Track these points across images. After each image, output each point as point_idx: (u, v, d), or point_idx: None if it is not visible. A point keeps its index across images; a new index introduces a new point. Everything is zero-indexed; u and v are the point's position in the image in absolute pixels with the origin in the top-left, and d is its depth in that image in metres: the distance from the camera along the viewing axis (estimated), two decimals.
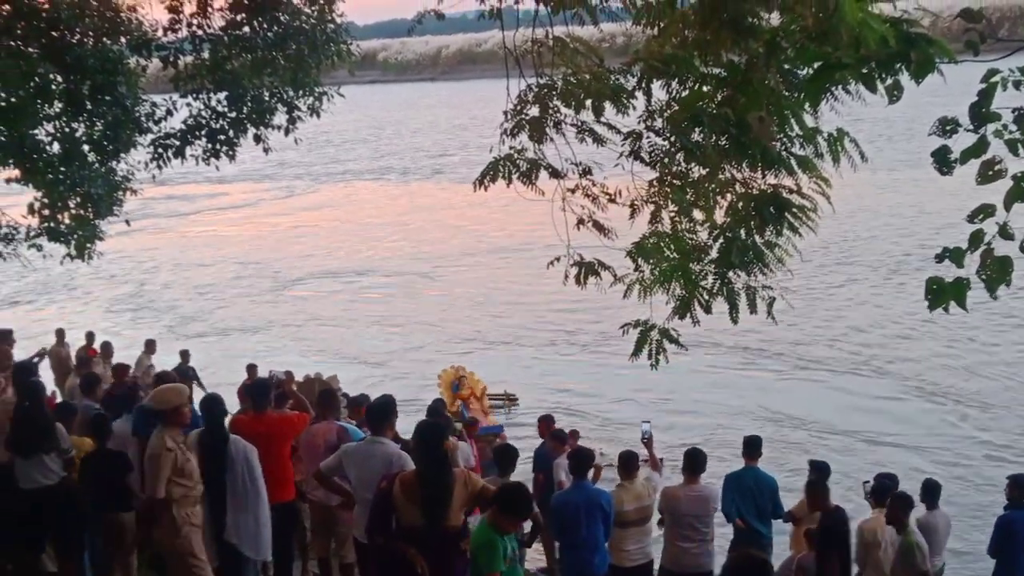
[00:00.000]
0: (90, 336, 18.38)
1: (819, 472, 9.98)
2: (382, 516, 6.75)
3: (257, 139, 13.04)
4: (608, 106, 6.70)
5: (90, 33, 12.40)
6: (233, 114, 12.81)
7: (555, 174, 7.18)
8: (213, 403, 8.64)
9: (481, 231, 42.69)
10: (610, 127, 6.86)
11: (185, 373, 15.19)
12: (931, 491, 10.02)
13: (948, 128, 5.03)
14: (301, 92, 12.98)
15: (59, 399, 13.21)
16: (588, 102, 6.71)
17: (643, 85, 6.49)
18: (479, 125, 73.04)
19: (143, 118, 12.93)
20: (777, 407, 19.86)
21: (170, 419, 7.91)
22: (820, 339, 24.20)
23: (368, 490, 7.61)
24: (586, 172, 7.15)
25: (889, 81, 5.16)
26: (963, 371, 21.62)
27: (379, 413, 8.07)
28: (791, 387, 21.46)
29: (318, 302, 32.64)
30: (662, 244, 6.92)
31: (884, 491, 9.45)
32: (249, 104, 12.73)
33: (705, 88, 6.31)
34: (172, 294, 34.23)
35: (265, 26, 12.41)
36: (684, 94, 6.39)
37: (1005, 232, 4.99)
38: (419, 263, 37.46)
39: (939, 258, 5.18)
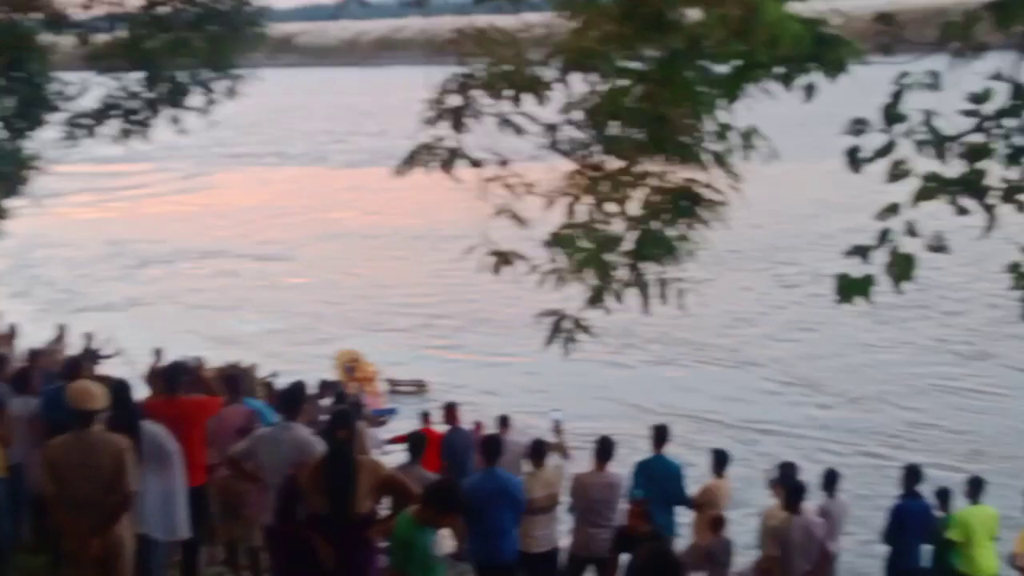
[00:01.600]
0: None
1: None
2: (288, 504, 6.75)
3: (174, 120, 12.87)
4: (528, 97, 6.77)
5: (2, 7, 12.12)
6: (148, 94, 12.62)
7: (474, 163, 7.22)
8: (122, 387, 8.51)
9: (361, 217, 43.41)
10: (530, 118, 6.93)
11: (91, 357, 14.92)
12: (830, 479, 10.32)
13: (859, 128, 5.19)
14: (218, 74, 12.83)
15: None
16: (508, 92, 6.77)
17: (562, 77, 6.56)
18: (385, 112, 73.15)
19: (54, 96, 12.68)
20: (667, 399, 20.23)
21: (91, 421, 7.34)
22: (708, 330, 24.56)
23: (278, 475, 7.60)
24: (504, 162, 7.20)
25: (804, 80, 5.32)
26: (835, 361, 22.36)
27: (290, 398, 8.07)
28: (682, 378, 22.00)
29: (189, 283, 33.17)
30: (577, 235, 6.99)
31: (785, 479, 9.72)
32: (165, 85, 12.56)
33: (624, 82, 6.40)
34: (47, 272, 34.06)
35: (183, 6, 12.25)
36: (603, 87, 6.48)
37: (911, 230, 5.16)
38: (287, 247, 38.01)
39: (848, 254, 5.34)
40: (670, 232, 6.81)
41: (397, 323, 27.61)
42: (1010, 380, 21.51)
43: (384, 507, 7.43)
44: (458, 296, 28.91)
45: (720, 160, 6.49)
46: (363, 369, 18.76)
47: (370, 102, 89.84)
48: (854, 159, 5.27)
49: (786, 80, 5.36)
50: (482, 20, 6.96)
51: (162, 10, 12.32)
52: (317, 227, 41.60)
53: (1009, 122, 5.14)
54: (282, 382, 12.13)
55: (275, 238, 39.74)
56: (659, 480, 10.32)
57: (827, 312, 24.65)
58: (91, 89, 12.86)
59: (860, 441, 18.09)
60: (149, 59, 12.36)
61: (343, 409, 7.77)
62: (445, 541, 7.89)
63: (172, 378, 9.24)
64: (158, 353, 15.52)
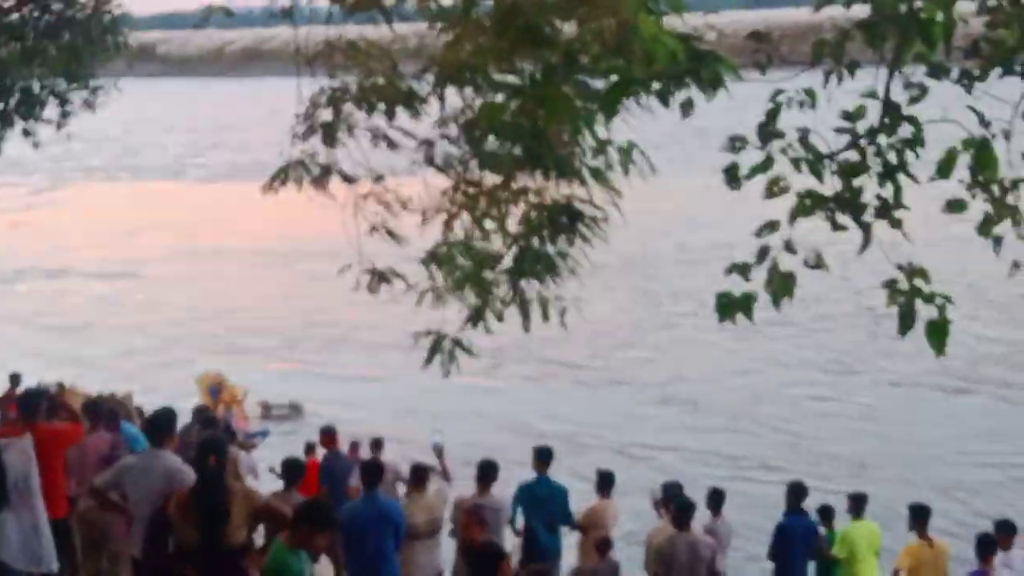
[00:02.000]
0: None
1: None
2: (157, 535, 6.46)
3: (26, 133, 12.34)
4: (401, 111, 6.61)
5: None
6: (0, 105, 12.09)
7: (347, 179, 7.02)
8: None
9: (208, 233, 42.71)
10: (404, 132, 6.77)
11: None
12: (716, 498, 10.34)
13: (737, 145, 5.16)
14: (74, 85, 12.34)
15: None
16: (381, 105, 6.60)
17: (437, 91, 6.42)
18: (251, 125, 72.39)
19: None
20: (538, 418, 20.20)
21: None
22: (579, 349, 24.31)
23: (147, 506, 7.28)
24: (379, 178, 7.02)
25: (682, 97, 5.27)
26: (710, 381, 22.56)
27: (159, 424, 7.74)
28: (554, 399, 21.93)
29: (34, 303, 32.37)
30: (455, 252, 6.86)
31: (670, 499, 9.70)
32: (17, 95, 12.02)
33: (500, 97, 6.28)
34: None
35: (36, 14, 11.74)
36: (478, 102, 6.35)
37: (789, 247, 5.14)
38: (139, 264, 37.45)
39: (728, 271, 5.30)
40: (550, 249, 6.73)
41: (255, 344, 27.06)
42: (884, 395, 21.95)
43: (259, 536, 7.18)
44: (320, 316, 28.68)
45: (598, 176, 6.43)
46: (229, 391, 18.25)
47: (235, 114, 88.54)
48: (732, 176, 5.23)
49: (663, 96, 5.30)
50: (353, 31, 6.78)
51: (14, 17, 11.78)
52: (171, 244, 40.76)
53: (882, 139, 5.17)
54: (148, 408, 11.70)
55: (127, 256, 38.80)
56: (544, 501, 10.23)
57: (696, 329, 25.22)
58: None
59: (740, 460, 18.17)
60: (0, 69, 11.83)
61: (213, 435, 7.46)
62: (324, 570, 7.64)
63: (30, 405, 8.80)
64: (14, 379, 14.87)
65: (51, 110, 12.47)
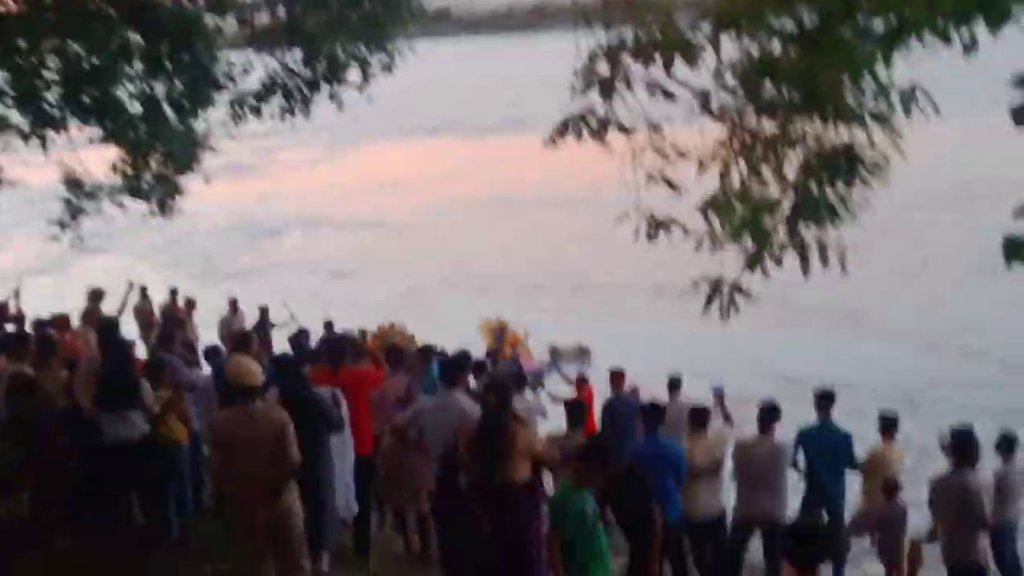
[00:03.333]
0: (173, 292, 18.79)
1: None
2: (449, 472, 6.85)
3: (331, 97, 13.15)
4: (678, 61, 6.70)
5: None
6: (308, 72, 12.93)
7: (625, 131, 7.19)
8: (290, 360, 8.80)
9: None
10: (681, 83, 6.85)
11: (261, 332, 15.45)
12: (1008, 442, 9.92)
13: None
14: (374, 49, 13.03)
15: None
16: (657, 57, 6.71)
17: (713, 40, 6.47)
18: (531, 81, 73.85)
19: (220, 77, 13.07)
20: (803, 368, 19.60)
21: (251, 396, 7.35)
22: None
23: (442, 443, 7.76)
24: (656, 129, 7.15)
25: (965, 34, 5.13)
26: None
27: (453, 367, 8.19)
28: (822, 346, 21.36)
29: (323, 250, 34.75)
30: (732, 200, 6.91)
31: (960, 443, 9.36)
32: (323, 62, 12.84)
33: (777, 44, 6.28)
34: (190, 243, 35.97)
35: None
36: (755, 49, 6.36)
37: None
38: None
39: (1018, 215, 5.13)
40: (829, 193, 6.68)
41: (532, 291, 27.84)
42: None
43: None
44: (589, 266, 29.18)
45: (880, 119, 6.32)
46: (512, 334, 18.85)
47: (519, 71, 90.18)
48: (1021, 116, 5.04)
49: (945, 34, 5.17)
50: None
51: None
52: (467, 196, 42.48)
53: None
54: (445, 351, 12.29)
55: (420, 204, 40.84)
56: (826, 445, 10.15)
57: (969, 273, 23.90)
58: (253, 69, 13.21)
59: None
60: (308, 38, 12.65)
61: (497, 378, 7.83)
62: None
63: (337, 349, 9.49)
64: (328, 326, 15.97)
65: (353, 74, 13.19)
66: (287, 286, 27.57)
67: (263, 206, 41.85)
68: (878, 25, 5.76)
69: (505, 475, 6.33)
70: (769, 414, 9.61)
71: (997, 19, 5.12)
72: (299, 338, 11.91)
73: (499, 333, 18.44)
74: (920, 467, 12.43)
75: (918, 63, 5.60)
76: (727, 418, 10.69)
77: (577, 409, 9.95)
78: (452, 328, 16.46)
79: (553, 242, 33.53)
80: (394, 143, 61.69)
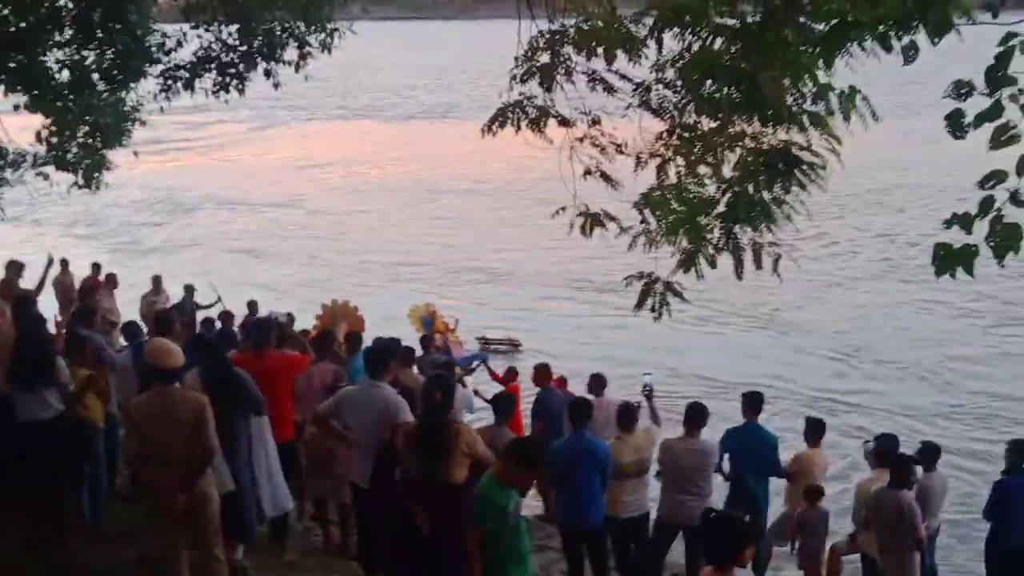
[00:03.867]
0: (96, 266, 18.37)
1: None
2: (384, 466, 6.72)
3: (267, 74, 12.89)
4: (620, 54, 6.62)
5: None
6: (243, 47, 12.66)
7: (564, 122, 7.10)
8: (212, 339, 8.60)
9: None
10: (621, 76, 6.78)
11: (185, 310, 15.16)
12: (929, 453, 10.01)
13: (963, 92, 4.92)
14: (312, 27, 12.80)
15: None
16: (600, 49, 6.63)
17: (655, 34, 6.40)
18: (469, 66, 74.16)
19: (153, 48, 12.75)
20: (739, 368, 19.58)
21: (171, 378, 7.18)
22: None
23: (365, 434, 7.60)
24: (595, 122, 7.06)
25: (905, 40, 5.08)
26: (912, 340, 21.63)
27: (378, 357, 8.03)
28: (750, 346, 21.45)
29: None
30: (669, 197, 6.84)
31: (886, 453, 9.43)
32: (260, 38, 12.57)
33: (719, 40, 6.22)
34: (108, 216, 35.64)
35: None
36: (697, 45, 6.30)
37: (1016, 199, 4.88)
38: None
39: (948, 224, 5.09)
40: (765, 195, 6.63)
41: (465, 278, 27.75)
42: None
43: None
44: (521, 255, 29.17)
45: (818, 121, 6.28)
46: (441, 321, 18.68)
47: (457, 56, 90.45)
48: (956, 124, 5.00)
49: (884, 40, 5.13)
50: None
51: None
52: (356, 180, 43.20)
53: None
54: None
55: (309, 190, 41.00)
56: (752, 449, 10.14)
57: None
58: (188, 42, 12.90)
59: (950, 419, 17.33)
60: (244, 12, 12.38)
61: (441, 373, 7.68)
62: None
63: (261, 333, 9.29)
64: (251, 306, 15.71)
65: (291, 52, 12.93)
66: (205, 264, 27.51)
67: (181, 182, 41.41)
68: (820, 28, 5.72)
69: (447, 474, 6.20)
70: (697, 414, 9.57)
71: (939, 27, 5.08)
72: (224, 319, 11.69)
73: (428, 319, 18.17)
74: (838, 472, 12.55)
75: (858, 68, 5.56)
76: (655, 417, 10.64)
77: (506, 403, 9.85)
78: (368, 313, 16.15)
79: (473, 230, 33.40)
80: (324, 124, 61.19)
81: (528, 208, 32.61)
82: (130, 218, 35.72)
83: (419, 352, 13.13)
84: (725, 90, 6.29)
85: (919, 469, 9.65)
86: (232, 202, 39.15)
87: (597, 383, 11.77)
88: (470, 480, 6.39)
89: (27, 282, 14.16)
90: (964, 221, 5.05)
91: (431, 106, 66.44)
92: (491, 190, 39.81)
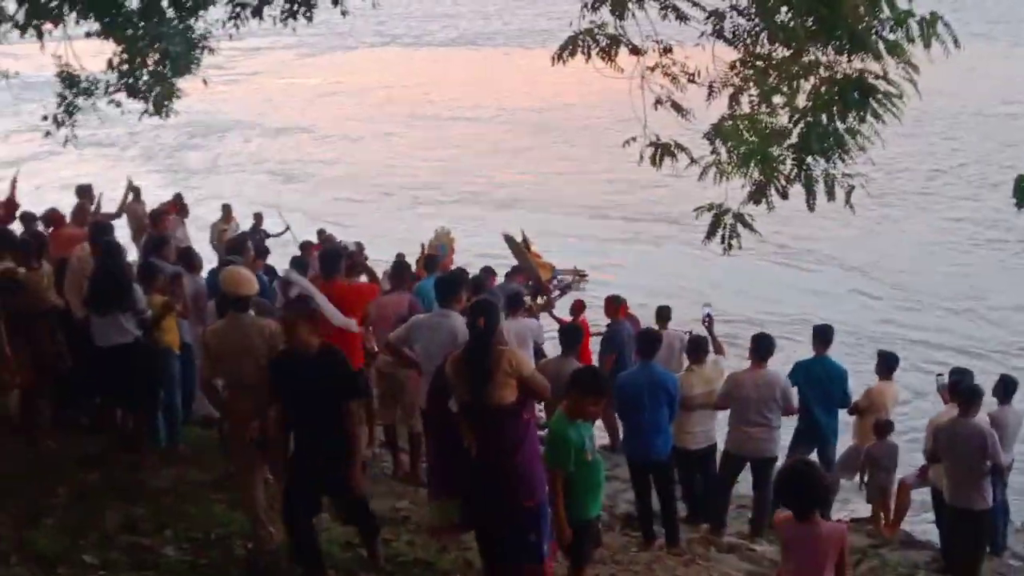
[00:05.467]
0: (178, 196, 18.49)
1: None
2: (439, 393, 6.76)
3: (335, 1, 12.80)
4: None
5: None
6: None
7: (635, 51, 7.00)
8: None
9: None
10: (694, 3, 6.66)
11: (255, 238, 15.28)
12: (1006, 386, 9.84)
13: None
14: None
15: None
16: None
17: None
18: None
19: None
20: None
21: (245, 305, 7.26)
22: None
23: (433, 362, 7.65)
24: (667, 50, 6.96)
25: None
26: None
27: (448, 286, 8.04)
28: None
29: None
30: (741, 127, 6.75)
31: (957, 386, 9.30)
32: None
33: None
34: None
35: None
36: None
37: None
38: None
39: None
40: (839, 125, 6.51)
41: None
42: None
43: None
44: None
45: (894, 50, 6.14)
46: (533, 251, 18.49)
47: None
48: None
49: None
50: None
51: None
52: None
53: None
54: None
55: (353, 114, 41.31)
56: (821, 382, 10.06)
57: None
58: None
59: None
60: None
61: (484, 298, 7.67)
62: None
63: (330, 262, 9.33)
64: (322, 234, 15.78)
65: None
66: (247, 187, 28.20)
67: (210, 107, 42.08)
68: None
69: (493, 396, 6.21)
70: (763, 345, 9.50)
71: None
72: (303, 249, 11.71)
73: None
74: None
75: None
76: (717, 346, 10.59)
77: (572, 334, 9.82)
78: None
79: (480, 156, 33.79)
80: (366, 52, 61.16)
81: (591, 137, 32.59)
82: (165, 140, 36.57)
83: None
84: (800, 17, 6.17)
85: (994, 401, 9.54)
86: (250, 126, 40.19)
87: (662, 315, 11.73)
88: (519, 402, 6.38)
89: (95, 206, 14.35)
90: None
91: (517, 32, 65.85)
92: (500, 118, 40.14)
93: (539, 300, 15.32)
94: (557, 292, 15.79)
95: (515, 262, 16.86)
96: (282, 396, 6.58)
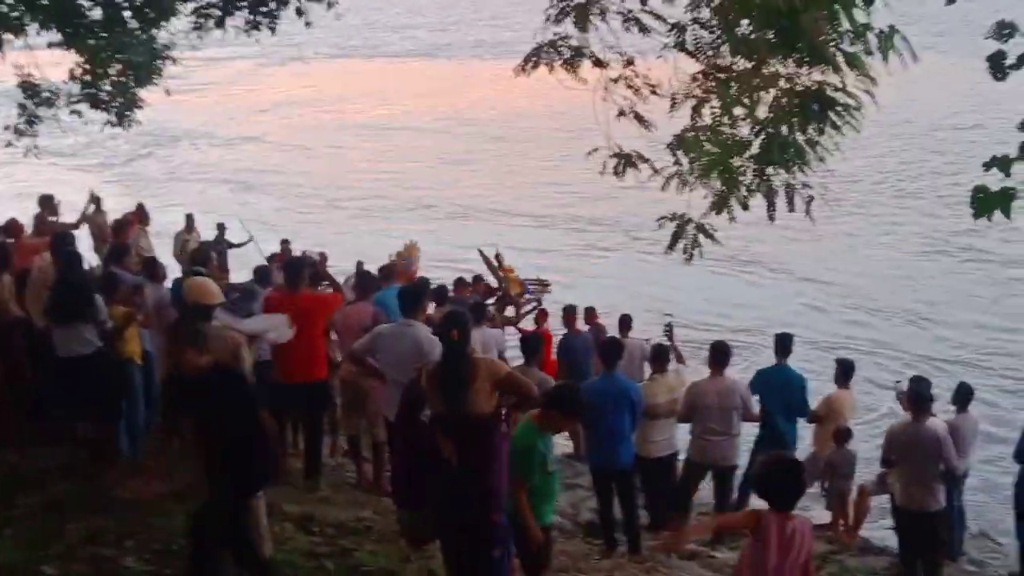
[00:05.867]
0: (139, 207, 18.36)
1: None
2: (412, 405, 6.74)
3: (299, 12, 12.82)
4: None
5: None
6: None
7: (598, 63, 7.06)
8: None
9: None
10: (656, 16, 6.73)
11: (218, 248, 15.23)
12: (962, 394, 9.97)
13: (1005, 32, 4.88)
14: None
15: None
16: None
17: None
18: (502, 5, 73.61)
19: None
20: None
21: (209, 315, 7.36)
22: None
23: (398, 372, 7.65)
24: (630, 62, 7.03)
25: None
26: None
27: (411, 296, 8.07)
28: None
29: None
30: (703, 138, 6.81)
31: (915, 393, 9.40)
32: None
33: None
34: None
35: None
36: None
37: None
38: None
39: (987, 166, 5.08)
40: (799, 137, 6.59)
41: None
42: None
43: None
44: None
45: (854, 62, 6.23)
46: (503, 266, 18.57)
47: None
48: (998, 65, 4.96)
49: None
50: None
51: None
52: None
53: None
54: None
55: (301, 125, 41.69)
56: (781, 390, 10.16)
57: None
58: None
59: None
60: None
61: (456, 310, 7.71)
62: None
63: (293, 272, 9.33)
64: (284, 243, 15.77)
65: None
66: (204, 197, 28.36)
67: (166, 116, 42.17)
68: None
69: (471, 405, 6.20)
70: (720, 353, 9.59)
71: None
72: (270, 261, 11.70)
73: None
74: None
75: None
76: (678, 356, 10.68)
77: (534, 343, 9.86)
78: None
79: (433, 167, 34.13)
80: (324, 63, 61.00)
81: (548, 149, 32.78)
82: (121, 149, 36.44)
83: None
84: (761, 30, 6.24)
85: (952, 408, 9.67)
86: (203, 136, 40.61)
87: (624, 324, 11.81)
88: (496, 415, 6.39)
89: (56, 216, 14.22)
90: (1003, 163, 5.04)
91: (470, 44, 66.10)
92: (447, 127, 40.57)
93: (505, 312, 15.32)
94: (531, 306, 15.82)
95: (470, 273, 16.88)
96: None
